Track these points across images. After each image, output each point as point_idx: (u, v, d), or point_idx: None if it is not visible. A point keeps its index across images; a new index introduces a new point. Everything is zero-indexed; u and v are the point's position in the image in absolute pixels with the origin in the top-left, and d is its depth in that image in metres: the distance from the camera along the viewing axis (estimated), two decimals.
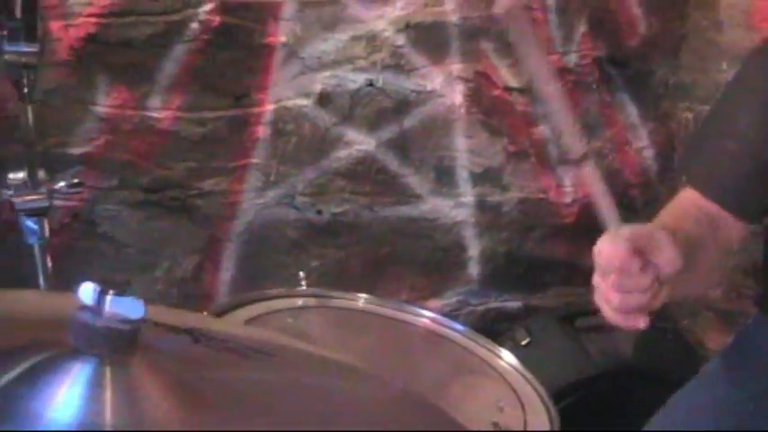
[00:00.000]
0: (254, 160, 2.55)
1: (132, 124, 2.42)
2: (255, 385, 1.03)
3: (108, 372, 0.87)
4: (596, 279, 1.42)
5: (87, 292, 0.89)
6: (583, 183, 1.67)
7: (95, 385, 0.86)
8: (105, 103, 2.38)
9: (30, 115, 1.40)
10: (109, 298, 0.88)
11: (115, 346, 0.88)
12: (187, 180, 2.50)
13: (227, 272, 2.59)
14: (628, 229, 1.39)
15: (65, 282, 2.26)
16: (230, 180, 2.54)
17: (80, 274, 2.45)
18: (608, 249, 1.38)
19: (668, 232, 1.42)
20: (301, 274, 1.95)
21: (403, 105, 2.66)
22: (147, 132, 2.43)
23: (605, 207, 1.41)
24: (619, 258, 1.37)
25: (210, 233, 2.56)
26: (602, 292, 1.41)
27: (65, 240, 2.40)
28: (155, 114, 2.43)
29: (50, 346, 0.89)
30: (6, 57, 1.29)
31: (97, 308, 0.88)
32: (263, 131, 2.54)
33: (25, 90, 1.34)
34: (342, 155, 2.63)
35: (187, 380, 0.94)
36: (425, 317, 1.90)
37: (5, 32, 1.24)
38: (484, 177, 2.80)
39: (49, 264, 1.62)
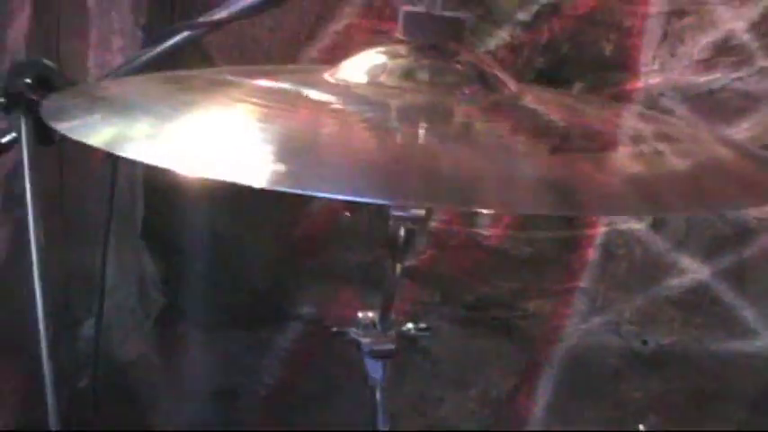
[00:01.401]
0: (582, 284, 2.44)
1: (459, 240, 2.38)
2: None
3: None
4: None
5: None
6: None
7: None
8: (434, 217, 2.35)
9: (398, 271, 1.36)
10: None
11: None
12: (512, 300, 2.43)
13: (543, 397, 2.49)
14: None
15: None
16: (556, 303, 2.44)
17: (395, 387, 2.42)
18: None
19: None
20: (641, 427, 1.81)
21: (743, 233, 2.48)
22: (473, 249, 2.39)
23: None
24: None
25: (530, 356, 2.47)
26: None
27: None
28: (483, 231, 2.38)
29: None
30: (391, 222, 1.26)
31: None
32: (592, 254, 2.43)
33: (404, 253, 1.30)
34: (674, 283, 2.48)
35: None
36: None
37: None
38: None
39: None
